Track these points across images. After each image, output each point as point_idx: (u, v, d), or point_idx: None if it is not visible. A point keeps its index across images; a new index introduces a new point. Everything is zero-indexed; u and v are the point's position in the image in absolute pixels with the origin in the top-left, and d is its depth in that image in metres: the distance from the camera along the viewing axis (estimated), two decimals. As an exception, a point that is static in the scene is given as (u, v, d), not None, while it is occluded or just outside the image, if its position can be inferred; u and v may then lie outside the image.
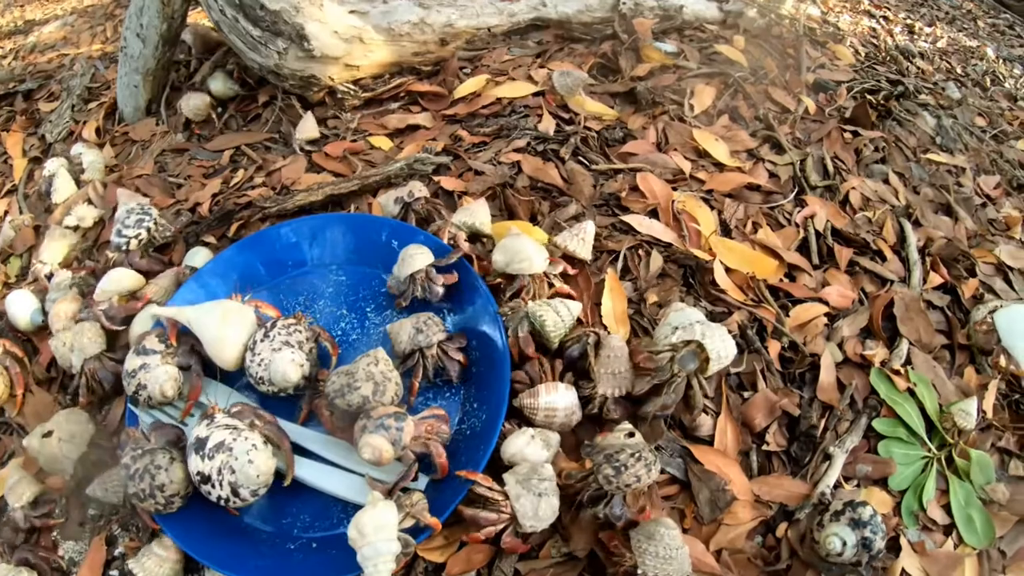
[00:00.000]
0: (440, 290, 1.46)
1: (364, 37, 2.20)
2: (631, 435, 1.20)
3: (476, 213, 1.63)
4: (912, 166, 2.05)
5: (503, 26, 2.41)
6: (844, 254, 1.70)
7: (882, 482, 1.44)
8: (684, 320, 1.35)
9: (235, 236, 1.81)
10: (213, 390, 1.38)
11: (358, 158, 2.03)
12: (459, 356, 1.37)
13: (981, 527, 1.43)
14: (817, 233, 1.74)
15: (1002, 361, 1.58)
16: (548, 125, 2.00)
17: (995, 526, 1.44)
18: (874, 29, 2.96)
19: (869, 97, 2.23)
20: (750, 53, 2.31)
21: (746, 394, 1.47)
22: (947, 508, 1.45)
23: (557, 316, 1.37)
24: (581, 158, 1.90)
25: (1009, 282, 1.86)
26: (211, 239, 1.83)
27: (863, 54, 2.55)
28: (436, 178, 1.87)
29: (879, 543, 1.25)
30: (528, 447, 1.24)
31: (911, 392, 1.53)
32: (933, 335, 1.62)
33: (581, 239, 1.58)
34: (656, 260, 1.64)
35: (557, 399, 1.31)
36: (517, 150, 1.93)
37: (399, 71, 2.32)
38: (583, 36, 2.38)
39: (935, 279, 1.75)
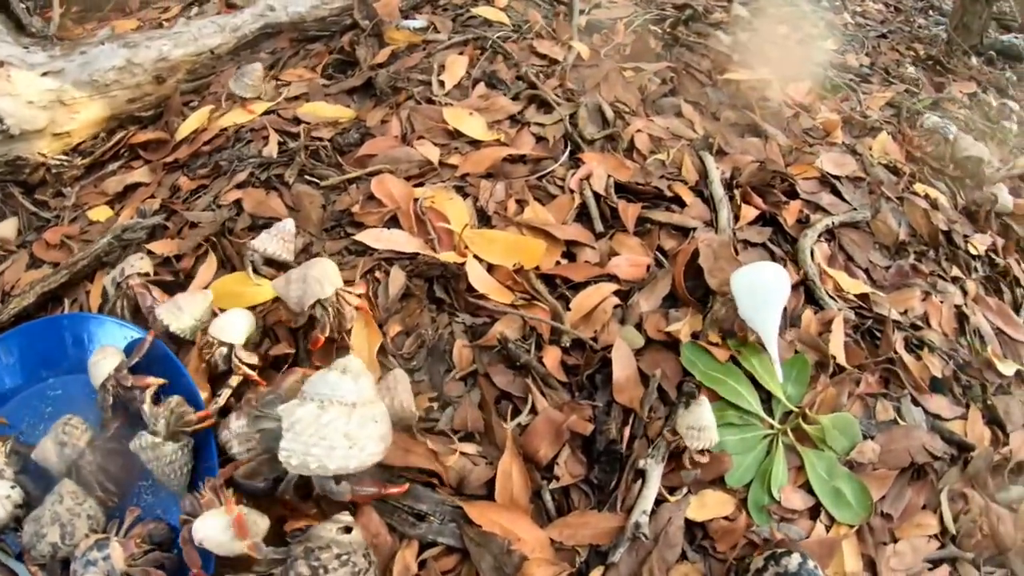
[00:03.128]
0: (139, 394, 1.12)
1: (65, 98, 1.84)
2: (347, 530, 0.95)
3: (181, 313, 1.25)
4: (708, 91, 1.76)
5: (228, 44, 2.06)
6: (631, 212, 1.39)
7: (719, 481, 1.14)
8: (317, 390, 0.97)
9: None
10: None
11: (76, 240, 1.66)
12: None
13: (854, 498, 1.17)
14: (597, 195, 1.42)
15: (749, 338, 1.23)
16: (273, 147, 1.65)
17: (871, 491, 1.17)
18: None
19: (653, 28, 1.95)
20: (513, 9, 2.01)
21: (524, 421, 1.13)
22: (807, 487, 1.17)
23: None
24: (310, 176, 1.56)
25: (838, 193, 1.58)
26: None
27: (645, -17, 2.28)
28: (149, 245, 1.51)
29: None
30: (224, 534, 0.93)
31: (735, 361, 1.21)
32: (752, 282, 1.32)
33: (282, 240, 1.33)
34: (397, 279, 1.30)
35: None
36: (239, 185, 1.59)
37: (118, 124, 1.96)
38: (321, 33, 2.04)
39: (749, 212, 1.46)
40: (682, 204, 1.44)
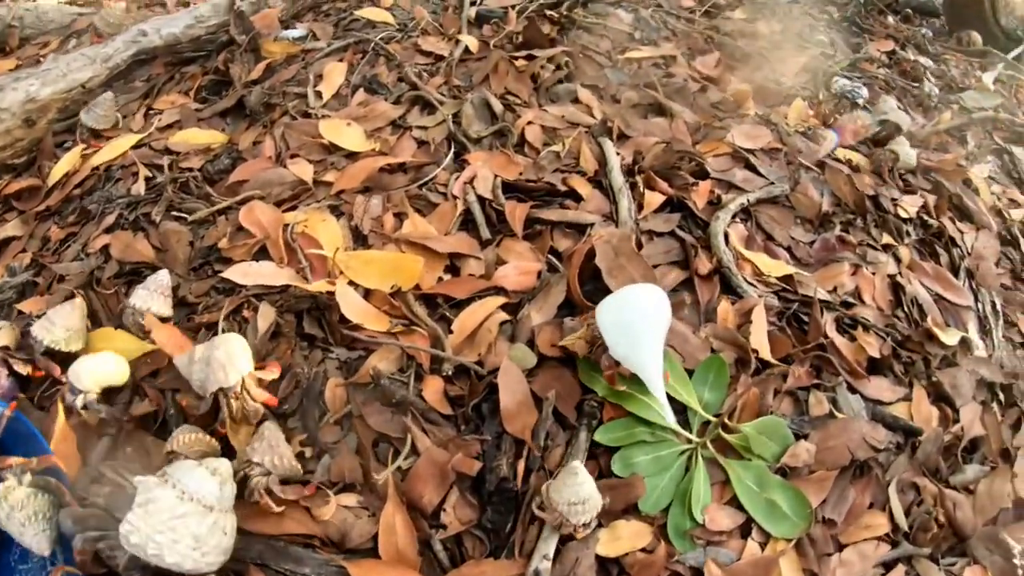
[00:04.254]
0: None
1: (-70, 154, 1.68)
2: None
3: (53, 326, 1.16)
4: (607, 73, 1.63)
5: (100, 76, 1.90)
6: (519, 213, 1.25)
7: (632, 509, 1.00)
8: (181, 479, 0.89)
9: None
10: None
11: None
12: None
13: (790, 507, 1.03)
14: (482, 199, 1.29)
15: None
16: (141, 183, 1.51)
17: (809, 497, 1.04)
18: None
19: (549, 13, 1.82)
20: (399, 7, 1.87)
21: (404, 465, 0.99)
22: (736, 503, 1.03)
23: None
24: (178, 211, 1.41)
25: (752, 168, 1.46)
26: None
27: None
28: (20, 304, 1.35)
29: None
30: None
31: (641, 370, 1.08)
32: (659, 279, 1.19)
33: (161, 294, 1.21)
34: (266, 316, 1.16)
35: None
36: (108, 229, 1.45)
37: (-9, 176, 1.80)
38: (197, 54, 1.89)
39: (654, 199, 1.32)
40: (578, 198, 1.30)
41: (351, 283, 1.19)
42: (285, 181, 1.40)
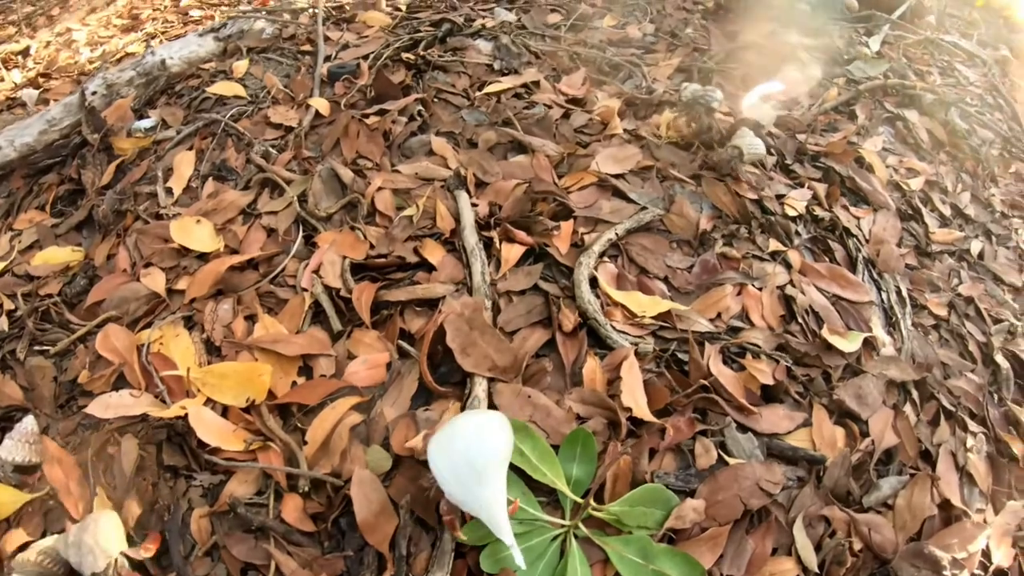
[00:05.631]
0: None
1: None
2: None
3: None
4: (464, 114, 1.55)
5: (-40, 201, 1.82)
6: (365, 299, 1.17)
7: (507, 607, 0.93)
8: None
9: None
10: None
11: None
12: None
13: (682, 574, 0.95)
14: (329, 289, 1.21)
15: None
16: (4, 318, 1.44)
17: (702, 559, 0.97)
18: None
19: (406, 56, 1.73)
20: (253, 75, 1.78)
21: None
22: None
23: None
24: (41, 344, 1.34)
25: (621, 194, 1.38)
26: None
27: (403, 6, 2.05)
28: None
29: None
30: None
31: (502, 456, 1.01)
32: (513, 353, 1.11)
33: (27, 443, 1.17)
34: (129, 452, 1.10)
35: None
36: None
37: None
38: (53, 160, 1.80)
39: (512, 253, 1.25)
40: (430, 268, 1.23)
41: (208, 401, 1.13)
42: (140, 296, 1.32)
